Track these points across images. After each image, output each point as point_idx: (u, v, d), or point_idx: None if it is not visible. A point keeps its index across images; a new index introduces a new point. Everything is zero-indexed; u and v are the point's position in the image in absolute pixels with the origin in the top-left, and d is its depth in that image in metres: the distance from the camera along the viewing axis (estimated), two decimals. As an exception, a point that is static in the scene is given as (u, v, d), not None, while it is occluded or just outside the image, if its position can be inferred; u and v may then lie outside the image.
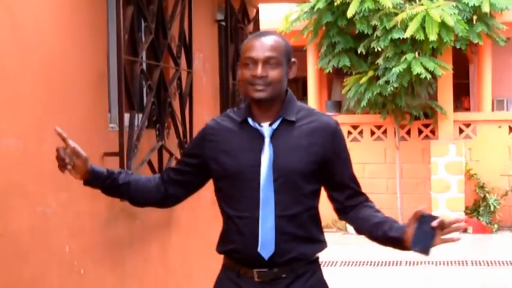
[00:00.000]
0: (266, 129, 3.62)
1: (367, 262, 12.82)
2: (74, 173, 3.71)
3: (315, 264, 3.76)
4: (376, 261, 12.85)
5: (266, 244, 3.54)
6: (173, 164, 3.85)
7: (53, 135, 4.44)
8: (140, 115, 5.58)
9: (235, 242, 3.63)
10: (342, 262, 12.77)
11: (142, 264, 5.81)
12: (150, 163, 5.76)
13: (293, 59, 3.71)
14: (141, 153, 5.55)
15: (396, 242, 3.63)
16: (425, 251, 3.50)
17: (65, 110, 4.65)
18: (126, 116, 5.33)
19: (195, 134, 6.40)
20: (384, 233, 3.65)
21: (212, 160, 3.69)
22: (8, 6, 4.04)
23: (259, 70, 3.54)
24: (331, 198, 3.81)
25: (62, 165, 3.65)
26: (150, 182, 3.90)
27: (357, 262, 12.74)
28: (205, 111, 7.29)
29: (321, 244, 3.75)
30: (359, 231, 3.79)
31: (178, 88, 6.39)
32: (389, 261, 12.84)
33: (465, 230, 15.67)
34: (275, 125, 3.62)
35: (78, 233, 4.78)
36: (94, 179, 3.77)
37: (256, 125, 3.63)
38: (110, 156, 5.16)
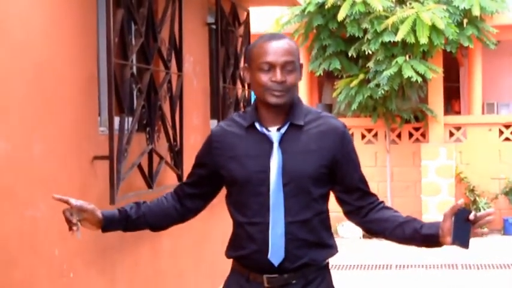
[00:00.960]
0: (274, 134, 3.56)
1: (358, 265, 12.82)
2: (87, 226, 3.63)
3: (325, 269, 3.73)
4: (367, 265, 12.85)
5: (276, 250, 3.52)
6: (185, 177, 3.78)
7: (42, 140, 4.46)
8: (130, 118, 5.59)
9: (245, 248, 3.59)
10: (333, 265, 12.76)
11: (133, 267, 5.81)
12: (140, 166, 5.77)
13: (301, 62, 3.66)
14: (131, 156, 5.56)
15: (430, 239, 3.56)
16: (465, 244, 3.47)
17: (55, 114, 4.65)
18: (116, 119, 5.34)
19: (185, 138, 6.47)
20: (415, 231, 3.59)
21: (221, 167, 3.64)
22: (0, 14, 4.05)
23: (278, 75, 3.48)
24: (340, 200, 3.76)
25: (70, 226, 3.56)
26: (164, 204, 3.81)
27: (348, 265, 12.74)
28: (196, 114, 7.30)
29: (332, 249, 3.71)
30: (377, 232, 3.75)
31: (169, 91, 6.39)
32: (380, 265, 12.85)
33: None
34: (283, 130, 3.57)
35: (67, 236, 4.76)
36: (109, 225, 3.68)
37: (264, 130, 3.58)
38: (100, 160, 5.16)
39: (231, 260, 3.77)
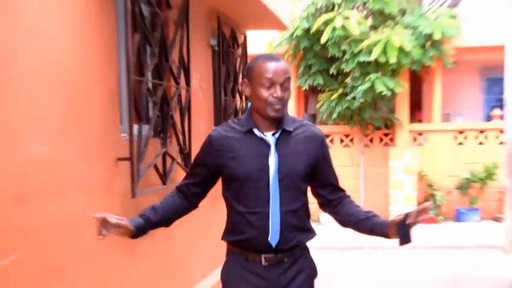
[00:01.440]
0: (270, 138, 3.61)
1: (336, 247, 12.85)
2: (120, 235, 3.65)
3: (306, 249, 3.84)
4: (344, 246, 12.89)
5: (274, 234, 3.58)
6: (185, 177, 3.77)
7: (75, 144, 4.47)
8: (147, 126, 5.59)
9: (245, 232, 3.63)
10: (316, 247, 12.78)
11: (151, 250, 5.82)
12: (155, 166, 5.78)
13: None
14: (148, 158, 5.56)
15: (381, 236, 3.73)
16: (408, 241, 3.63)
17: (84, 122, 4.66)
18: (135, 127, 5.34)
19: (193, 142, 6.49)
20: (370, 230, 3.72)
21: (222, 166, 3.65)
22: (36, 37, 4.05)
23: (279, 92, 3.52)
24: (316, 194, 3.87)
25: (99, 233, 3.59)
26: (173, 203, 3.81)
27: (328, 247, 12.75)
28: (202, 122, 7.31)
29: (313, 233, 3.82)
30: (344, 224, 3.83)
31: (179, 103, 6.39)
32: (354, 246, 12.88)
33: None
34: (277, 135, 3.62)
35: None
36: (138, 234, 3.70)
37: (262, 135, 3.61)
38: (123, 161, 5.17)
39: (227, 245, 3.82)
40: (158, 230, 5.93)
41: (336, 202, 3.86)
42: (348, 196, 3.90)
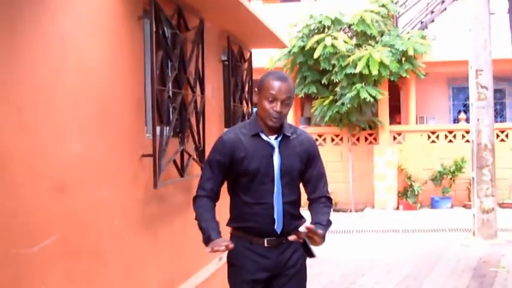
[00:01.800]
0: (274, 141, 3.68)
1: (328, 230, 12.81)
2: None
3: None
4: (335, 230, 12.85)
5: (279, 222, 3.67)
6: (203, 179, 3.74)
7: (106, 143, 4.46)
8: (167, 128, 5.58)
9: (251, 220, 3.68)
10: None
11: (170, 234, 5.80)
12: (174, 162, 5.76)
13: (293, 96, 3.74)
14: (168, 154, 5.55)
15: None
16: (312, 256, 3.66)
17: (115, 124, 4.66)
18: (158, 128, 5.33)
19: (206, 141, 6.46)
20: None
21: (237, 163, 3.65)
22: (76, 52, 4.07)
23: (278, 107, 3.59)
24: (305, 189, 3.88)
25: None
26: (213, 207, 3.76)
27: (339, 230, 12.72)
28: (214, 125, 7.29)
29: (304, 219, 3.84)
30: None
31: (195, 108, 6.38)
32: (343, 230, 12.87)
33: (397, 208, 15.75)
34: (279, 138, 3.70)
35: (124, 211, 4.78)
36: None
37: (267, 138, 3.68)
38: (147, 157, 5.16)
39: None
40: (175, 217, 5.94)
41: (310, 201, 3.88)
42: (321, 201, 3.87)
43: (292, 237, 3.53)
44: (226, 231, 3.86)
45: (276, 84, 3.60)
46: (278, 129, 3.70)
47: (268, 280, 3.73)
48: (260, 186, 3.64)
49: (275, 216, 3.65)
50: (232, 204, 3.83)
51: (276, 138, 3.69)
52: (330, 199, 3.91)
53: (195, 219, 3.74)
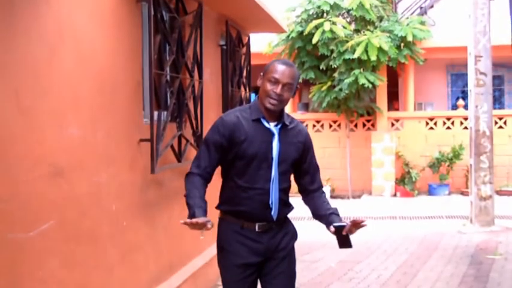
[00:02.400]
0: (274, 128, 3.69)
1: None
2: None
3: (287, 217, 3.91)
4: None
5: (275, 208, 3.70)
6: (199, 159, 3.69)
7: (104, 127, 4.45)
8: (165, 112, 5.56)
9: (245, 205, 3.68)
10: (308, 217, 12.76)
11: (167, 219, 5.80)
12: (172, 147, 5.76)
13: (298, 86, 3.77)
14: (166, 139, 5.54)
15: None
16: (349, 246, 3.74)
17: (112, 109, 4.66)
18: (155, 113, 5.32)
19: (204, 126, 6.45)
20: (325, 225, 3.82)
21: (235, 146, 3.64)
22: (73, 35, 4.05)
23: (279, 90, 3.60)
24: (296, 181, 3.95)
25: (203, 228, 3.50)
26: (204, 187, 3.71)
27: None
28: (211, 110, 7.28)
29: (292, 206, 3.89)
30: (311, 212, 3.94)
31: (192, 93, 6.37)
32: (343, 217, 12.82)
33: (395, 194, 15.79)
34: (279, 126, 3.71)
35: (121, 196, 4.78)
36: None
37: (268, 125, 3.68)
38: (144, 142, 5.16)
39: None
40: (173, 202, 5.93)
41: (308, 192, 3.93)
42: (320, 191, 3.96)
43: (346, 230, 3.62)
44: (215, 214, 3.86)
45: (281, 68, 3.63)
46: (278, 117, 3.71)
47: (258, 266, 3.76)
48: (257, 171, 3.64)
49: (271, 202, 3.68)
50: (224, 187, 3.83)
51: (276, 126, 3.70)
52: (323, 189, 4.03)
53: (184, 195, 3.71)
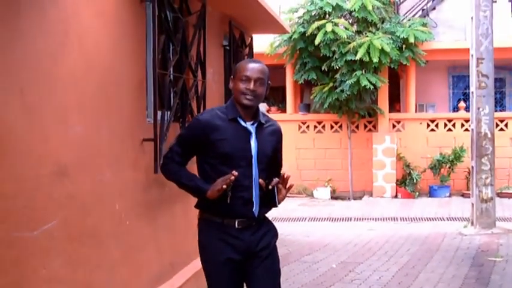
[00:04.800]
0: (250, 127, 3.74)
1: (327, 218, 12.84)
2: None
3: (266, 216, 3.93)
4: (333, 217, 12.87)
5: (256, 205, 3.74)
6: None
7: (107, 126, 4.45)
8: (168, 112, 5.57)
9: (224, 202, 3.68)
10: (309, 218, 12.79)
11: (170, 218, 5.80)
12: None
13: (269, 82, 3.84)
14: (169, 139, 5.53)
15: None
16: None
17: (116, 108, 4.66)
18: (159, 113, 5.32)
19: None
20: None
21: (210, 144, 3.68)
22: (78, 34, 4.05)
23: (252, 86, 3.67)
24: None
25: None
26: (185, 169, 3.83)
27: (319, 218, 12.74)
28: (214, 110, 7.29)
29: (273, 203, 3.88)
30: None
31: (196, 93, 6.38)
32: (342, 218, 12.88)
33: (396, 196, 15.77)
34: (255, 125, 3.77)
35: (124, 195, 4.78)
36: None
37: (245, 124, 3.73)
38: (147, 141, 5.17)
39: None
40: (176, 202, 5.93)
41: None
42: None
43: (272, 183, 3.67)
44: (195, 212, 3.88)
45: (249, 65, 3.72)
46: (254, 116, 3.78)
47: (241, 262, 3.77)
48: (235, 168, 3.63)
49: (253, 200, 3.72)
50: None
51: (252, 124, 3.75)
52: None
53: (177, 183, 3.82)
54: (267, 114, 3.96)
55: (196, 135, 3.74)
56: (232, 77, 3.80)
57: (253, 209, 3.72)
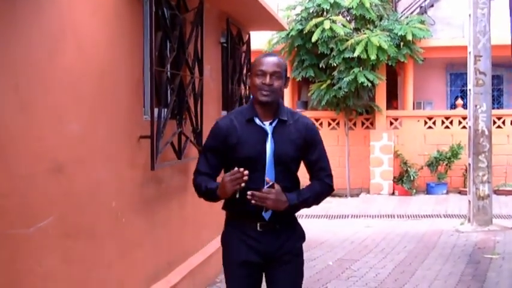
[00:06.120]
0: (268, 127, 3.60)
1: (324, 215, 12.84)
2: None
3: (294, 217, 3.79)
4: (330, 215, 12.89)
5: (267, 209, 3.58)
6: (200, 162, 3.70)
7: (104, 124, 4.44)
8: (165, 109, 5.56)
9: (243, 205, 3.56)
10: (306, 215, 12.81)
11: (167, 216, 5.80)
12: (172, 143, 5.75)
13: (288, 75, 3.71)
14: (166, 136, 5.53)
15: None
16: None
17: (113, 105, 4.65)
18: (156, 110, 5.31)
19: (204, 123, 6.44)
20: None
21: (230, 149, 3.60)
22: (74, 32, 4.05)
23: (267, 80, 3.54)
24: (307, 171, 3.80)
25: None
26: (212, 179, 3.70)
27: (316, 215, 12.73)
28: (211, 107, 7.28)
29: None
30: None
31: (193, 90, 6.36)
32: (339, 215, 12.89)
33: (393, 193, 15.78)
34: (274, 124, 3.62)
35: (121, 192, 4.77)
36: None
37: (261, 124, 3.60)
38: (144, 139, 5.15)
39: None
40: (173, 199, 5.93)
41: (313, 176, 3.81)
42: (324, 183, 3.80)
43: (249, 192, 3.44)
44: (220, 214, 3.85)
45: (264, 59, 3.61)
46: (274, 114, 3.64)
47: (261, 266, 3.69)
48: (254, 172, 3.52)
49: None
50: None
51: (270, 124, 3.61)
52: (329, 186, 3.82)
53: (200, 194, 3.71)
54: (294, 110, 3.80)
55: (216, 141, 3.66)
56: (249, 73, 3.70)
57: (263, 213, 3.58)
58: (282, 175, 3.60)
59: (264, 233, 3.63)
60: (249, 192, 3.44)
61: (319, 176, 3.78)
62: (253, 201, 3.46)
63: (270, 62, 3.58)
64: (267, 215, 3.58)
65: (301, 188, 3.75)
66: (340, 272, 7.78)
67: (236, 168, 3.41)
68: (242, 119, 3.64)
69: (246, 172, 3.41)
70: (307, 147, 3.70)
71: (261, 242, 3.63)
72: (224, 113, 7.96)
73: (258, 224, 3.62)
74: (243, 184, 3.42)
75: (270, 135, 3.59)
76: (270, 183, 3.51)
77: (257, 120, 3.61)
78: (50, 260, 3.72)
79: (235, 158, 3.60)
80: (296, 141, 3.65)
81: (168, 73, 5.76)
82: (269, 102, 3.58)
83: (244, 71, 8.67)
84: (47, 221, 3.65)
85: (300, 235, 3.81)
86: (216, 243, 7.25)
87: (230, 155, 3.62)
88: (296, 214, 3.79)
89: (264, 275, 3.76)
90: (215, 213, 7.40)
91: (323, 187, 3.78)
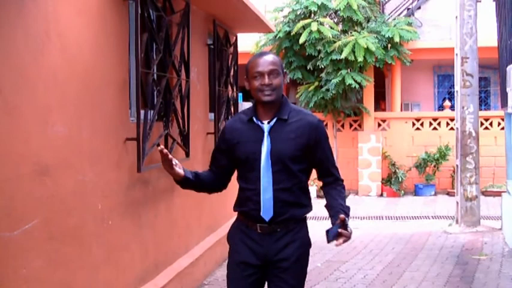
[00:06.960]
0: (265, 125, 3.59)
1: (312, 217, 12.82)
2: (168, 171, 3.57)
3: (303, 221, 3.77)
4: (318, 216, 12.88)
5: (267, 210, 3.56)
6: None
7: (90, 126, 4.42)
8: (152, 111, 5.54)
9: (246, 205, 3.63)
10: (315, 217, 12.75)
11: (154, 218, 5.78)
12: (158, 146, 5.73)
13: (285, 71, 3.74)
14: (152, 138, 5.52)
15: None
16: (328, 240, 3.60)
17: (99, 107, 4.63)
18: (142, 112, 5.30)
19: (191, 125, 6.44)
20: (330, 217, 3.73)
21: (232, 150, 3.64)
22: (59, 33, 4.02)
23: (266, 80, 3.52)
24: (316, 172, 3.81)
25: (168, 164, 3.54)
26: (209, 176, 3.78)
27: (307, 217, 12.70)
28: (198, 109, 7.26)
29: (307, 208, 3.75)
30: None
31: (179, 92, 6.35)
32: (327, 216, 12.80)
33: (381, 195, 15.82)
34: (272, 123, 3.59)
35: (107, 195, 4.75)
36: (182, 181, 3.63)
37: (259, 123, 3.61)
38: (131, 141, 5.14)
39: (224, 214, 3.80)
40: (159, 201, 5.91)
41: (323, 184, 3.82)
42: (337, 183, 3.81)
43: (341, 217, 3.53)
44: (216, 214, 3.85)
45: (258, 61, 3.58)
46: (275, 113, 3.62)
47: (260, 268, 3.66)
48: (251, 171, 3.57)
49: (262, 204, 3.56)
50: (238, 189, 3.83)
51: (268, 123, 3.60)
52: (341, 181, 3.84)
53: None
54: (299, 108, 3.76)
55: (222, 141, 3.75)
56: (245, 77, 3.66)
57: (261, 213, 3.57)
58: (280, 175, 3.57)
59: (264, 235, 3.62)
60: (336, 242, 3.56)
61: (329, 177, 3.80)
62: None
63: (265, 62, 3.56)
64: (267, 217, 3.57)
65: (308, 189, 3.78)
66: (329, 273, 7.79)
67: (159, 149, 3.50)
68: (245, 118, 3.68)
69: (160, 147, 3.51)
70: (311, 146, 3.64)
71: (260, 244, 3.63)
72: (211, 115, 7.95)
73: (258, 226, 3.62)
74: (174, 162, 3.53)
75: (266, 134, 3.58)
76: (339, 221, 3.58)
77: (255, 120, 3.63)
78: (35, 263, 3.70)
79: (236, 157, 3.66)
80: (296, 140, 3.59)
81: (155, 75, 5.75)
82: (273, 101, 3.57)
83: (232, 73, 8.66)
84: (32, 224, 3.63)
85: (304, 242, 3.75)
86: (204, 245, 7.25)
87: (232, 155, 3.68)
88: (306, 215, 3.79)
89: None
90: (203, 216, 7.41)
91: (341, 189, 3.83)
